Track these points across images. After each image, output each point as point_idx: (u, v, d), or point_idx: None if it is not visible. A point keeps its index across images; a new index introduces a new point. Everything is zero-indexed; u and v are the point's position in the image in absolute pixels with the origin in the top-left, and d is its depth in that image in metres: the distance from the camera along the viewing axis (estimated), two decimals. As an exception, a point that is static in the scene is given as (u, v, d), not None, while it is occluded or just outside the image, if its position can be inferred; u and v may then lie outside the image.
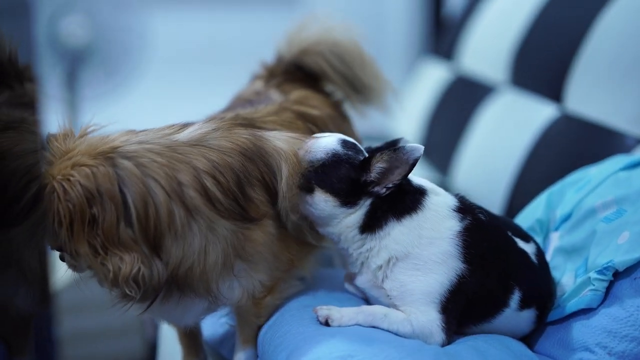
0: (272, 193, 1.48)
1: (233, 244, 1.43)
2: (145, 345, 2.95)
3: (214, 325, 1.79)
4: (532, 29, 2.63)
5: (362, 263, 1.53)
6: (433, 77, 3.45)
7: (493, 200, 2.42)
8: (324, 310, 1.47)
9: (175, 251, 1.38)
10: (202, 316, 1.59)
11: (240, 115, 1.65)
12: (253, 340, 1.59)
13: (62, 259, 1.43)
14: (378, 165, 1.47)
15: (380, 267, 1.50)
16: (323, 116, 1.81)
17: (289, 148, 1.51)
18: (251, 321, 1.58)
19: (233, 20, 4.02)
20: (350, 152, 1.51)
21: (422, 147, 1.44)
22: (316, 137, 1.55)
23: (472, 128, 2.83)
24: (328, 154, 1.50)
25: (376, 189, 1.48)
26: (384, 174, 1.47)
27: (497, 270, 1.51)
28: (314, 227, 1.56)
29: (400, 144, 1.50)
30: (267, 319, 1.57)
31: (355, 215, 1.50)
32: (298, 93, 1.84)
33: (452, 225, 1.50)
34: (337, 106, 1.95)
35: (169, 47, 4.01)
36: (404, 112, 2.57)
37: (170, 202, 1.36)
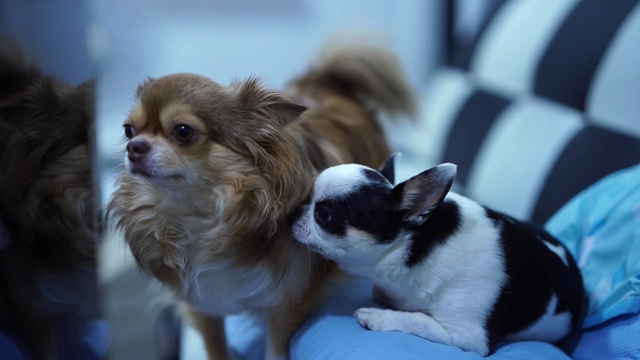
0: None
1: None
2: (159, 360, 2.91)
3: (242, 334, 1.77)
4: (555, 38, 2.61)
5: (408, 294, 1.44)
6: (451, 89, 3.43)
7: (516, 212, 2.39)
8: (364, 315, 1.43)
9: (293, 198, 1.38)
10: (236, 309, 1.53)
11: None
12: (285, 348, 1.56)
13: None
14: (410, 192, 1.35)
15: (430, 294, 1.41)
16: (357, 126, 1.79)
17: (339, 158, 1.54)
18: (285, 329, 1.56)
19: (247, 33, 4.02)
20: (377, 182, 1.38)
21: (454, 166, 1.33)
22: (331, 170, 1.43)
23: (493, 139, 2.81)
24: (355, 186, 1.37)
25: (411, 218, 1.36)
26: (418, 200, 1.35)
27: (535, 277, 1.48)
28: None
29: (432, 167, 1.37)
30: (300, 326, 1.54)
31: (398, 251, 1.38)
32: (332, 100, 1.83)
33: (489, 233, 1.43)
34: (370, 116, 1.94)
35: (183, 61, 4.01)
36: (421, 125, 2.55)
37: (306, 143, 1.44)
